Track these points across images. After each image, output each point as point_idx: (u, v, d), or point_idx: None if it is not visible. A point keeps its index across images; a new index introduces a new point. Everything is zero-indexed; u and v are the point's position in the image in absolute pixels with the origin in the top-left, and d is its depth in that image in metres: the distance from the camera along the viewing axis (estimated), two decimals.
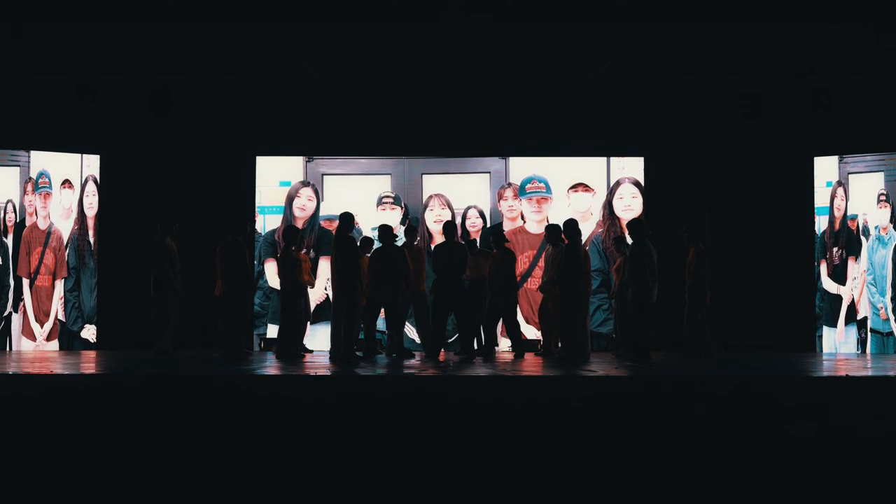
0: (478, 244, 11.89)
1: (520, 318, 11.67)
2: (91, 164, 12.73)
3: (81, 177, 12.71)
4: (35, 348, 12.29)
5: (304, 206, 12.99)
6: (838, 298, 12.55)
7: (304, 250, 11.62)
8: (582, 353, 10.49)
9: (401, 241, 11.65)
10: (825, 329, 12.59)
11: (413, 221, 12.78)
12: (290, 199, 13.00)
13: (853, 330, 12.46)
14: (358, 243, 11.61)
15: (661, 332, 11.17)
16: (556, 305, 11.00)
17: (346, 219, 10.47)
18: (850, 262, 12.53)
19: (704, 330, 10.96)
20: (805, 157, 12.71)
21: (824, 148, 12.62)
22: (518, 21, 10.90)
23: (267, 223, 12.98)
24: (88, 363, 10.09)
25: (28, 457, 7.29)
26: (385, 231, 10.97)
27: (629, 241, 10.93)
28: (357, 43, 11.51)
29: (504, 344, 12.18)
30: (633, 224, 10.68)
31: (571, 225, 10.75)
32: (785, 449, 7.50)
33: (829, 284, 12.57)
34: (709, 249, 11.34)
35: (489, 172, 13.17)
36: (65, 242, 12.57)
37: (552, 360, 10.58)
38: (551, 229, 11.30)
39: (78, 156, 12.69)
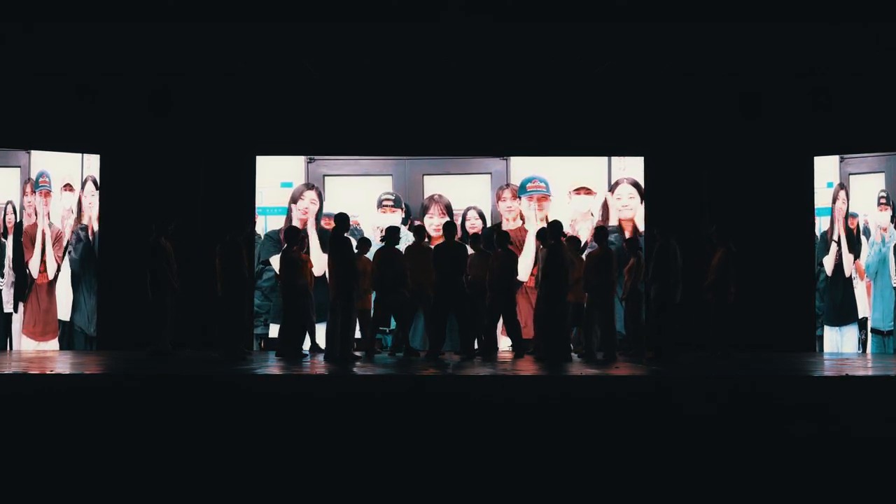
0: (481, 241, 11.89)
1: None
2: (91, 164, 12.72)
3: (82, 177, 12.71)
4: (35, 348, 12.29)
5: (307, 208, 13.00)
6: (839, 296, 12.51)
7: (304, 251, 11.61)
8: (565, 353, 10.51)
9: (405, 241, 11.72)
10: (826, 329, 12.57)
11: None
12: (293, 201, 13.00)
13: (854, 329, 12.45)
14: (356, 244, 11.66)
15: (684, 332, 11.17)
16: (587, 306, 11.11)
17: (341, 219, 10.49)
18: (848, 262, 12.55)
19: (726, 329, 11.01)
20: (805, 157, 12.70)
21: (824, 148, 12.61)
22: (518, 21, 10.91)
23: (268, 224, 12.98)
24: (88, 363, 10.09)
25: (27, 456, 7.28)
26: (391, 232, 11.12)
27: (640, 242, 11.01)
28: (357, 43, 11.51)
29: (504, 344, 12.17)
30: (660, 223, 10.69)
31: (555, 226, 10.78)
32: (785, 449, 7.50)
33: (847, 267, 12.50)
34: (708, 249, 11.34)
35: (490, 173, 13.16)
36: (64, 242, 12.57)
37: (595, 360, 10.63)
38: (540, 232, 11.40)
39: (78, 156, 12.68)
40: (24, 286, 12.36)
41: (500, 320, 11.36)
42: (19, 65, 11.78)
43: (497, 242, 11.35)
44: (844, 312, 12.54)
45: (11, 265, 12.31)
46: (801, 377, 8.93)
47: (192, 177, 12.65)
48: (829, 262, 12.64)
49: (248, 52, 11.81)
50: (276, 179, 13.09)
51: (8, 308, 12.30)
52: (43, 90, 12.14)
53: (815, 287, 12.63)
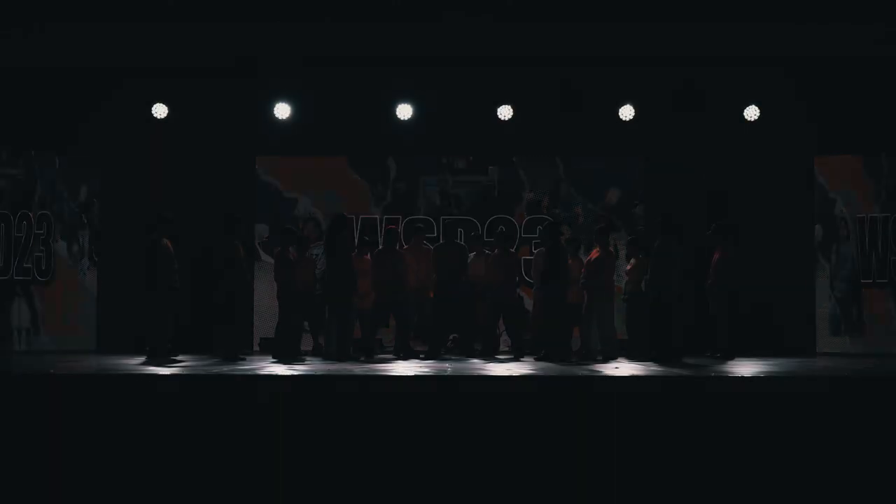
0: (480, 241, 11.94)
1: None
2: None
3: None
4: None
5: (308, 209, 13.03)
6: (845, 300, 12.47)
7: (308, 252, 11.62)
8: (565, 353, 10.49)
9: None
10: (826, 331, 12.49)
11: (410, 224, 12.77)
12: (294, 202, 13.03)
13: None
14: (355, 244, 11.69)
15: (685, 333, 11.10)
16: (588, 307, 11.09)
17: (339, 220, 10.51)
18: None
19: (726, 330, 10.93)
20: (805, 156, 12.68)
21: (824, 148, 12.59)
22: (518, 21, 10.93)
23: (269, 225, 13.00)
24: (87, 363, 10.10)
25: (26, 457, 7.30)
26: (391, 233, 11.16)
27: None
28: (359, 43, 11.53)
29: (504, 344, 12.16)
30: (660, 223, 10.59)
31: (552, 227, 10.80)
32: (785, 448, 7.51)
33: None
34: (708, 250, 11.33)
35: (489, 175, 13.16)
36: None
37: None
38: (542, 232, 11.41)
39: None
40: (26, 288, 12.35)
41: (500, 320, 11.38)
42: (20, 64, 11.80)
43: (496, 243, 11.35)
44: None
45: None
46: (802, 377, 8.93)
47: (193, 177, 12.65)
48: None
49: (249, 52, 11.83)
50: (277, 180, 13.11)
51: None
52: (43, 90, 12.14)
53: (814, 287, 12.61)
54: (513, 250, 11.71)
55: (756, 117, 12.29)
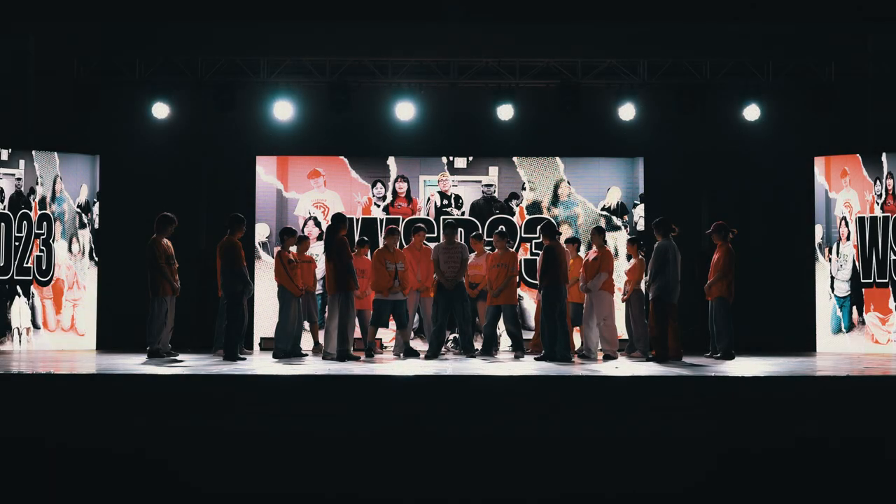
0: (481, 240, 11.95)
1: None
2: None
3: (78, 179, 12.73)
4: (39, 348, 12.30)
5: (309, 210, 13.04)
6: (845, 300, 12.46)
7: (307, 252, 11.62)
8: (565, 353, 10.46)
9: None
10: (829, 332, 12.49)
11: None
12: (294, 202, 13.03)
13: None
14: (355, 243, 11.68)
15: (685, 332, 11.07)
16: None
17: (338, 219, 10.51)
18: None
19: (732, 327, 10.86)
20: (805, 157, 12.69)
21: (824, 148, 12.59)
22: (518, 21, 10.93)
23: (269, 225, 13.01)
24: (86, 363, 10.10)
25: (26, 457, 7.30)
26: (389, 232, 11.17)
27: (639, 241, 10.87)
28: (357, 42, 11.54)
29: (504, 343, 12.17)
30: (659, 223, 10.55)
31: (549, 227, 10.80)
32: (786, 449, 7.51)
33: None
34: (708, 250, 11.33)
35: (488, 175, 13.16)
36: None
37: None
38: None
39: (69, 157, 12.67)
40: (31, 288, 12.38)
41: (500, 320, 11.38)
42: (19, 65, 11.81)
43: (496, 242, 11.34)
44: None
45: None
46: (801, 377, 8.92)
47: (193, 177, 12.66)
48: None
49: (248, 52, 11.83)
50: (278, 180, 13.11)
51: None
52: (43, 90, 12.15)
53: (815, 287, 12.61)
54: (512, 250, 11.70)
55: (756, 117, 12.29)
